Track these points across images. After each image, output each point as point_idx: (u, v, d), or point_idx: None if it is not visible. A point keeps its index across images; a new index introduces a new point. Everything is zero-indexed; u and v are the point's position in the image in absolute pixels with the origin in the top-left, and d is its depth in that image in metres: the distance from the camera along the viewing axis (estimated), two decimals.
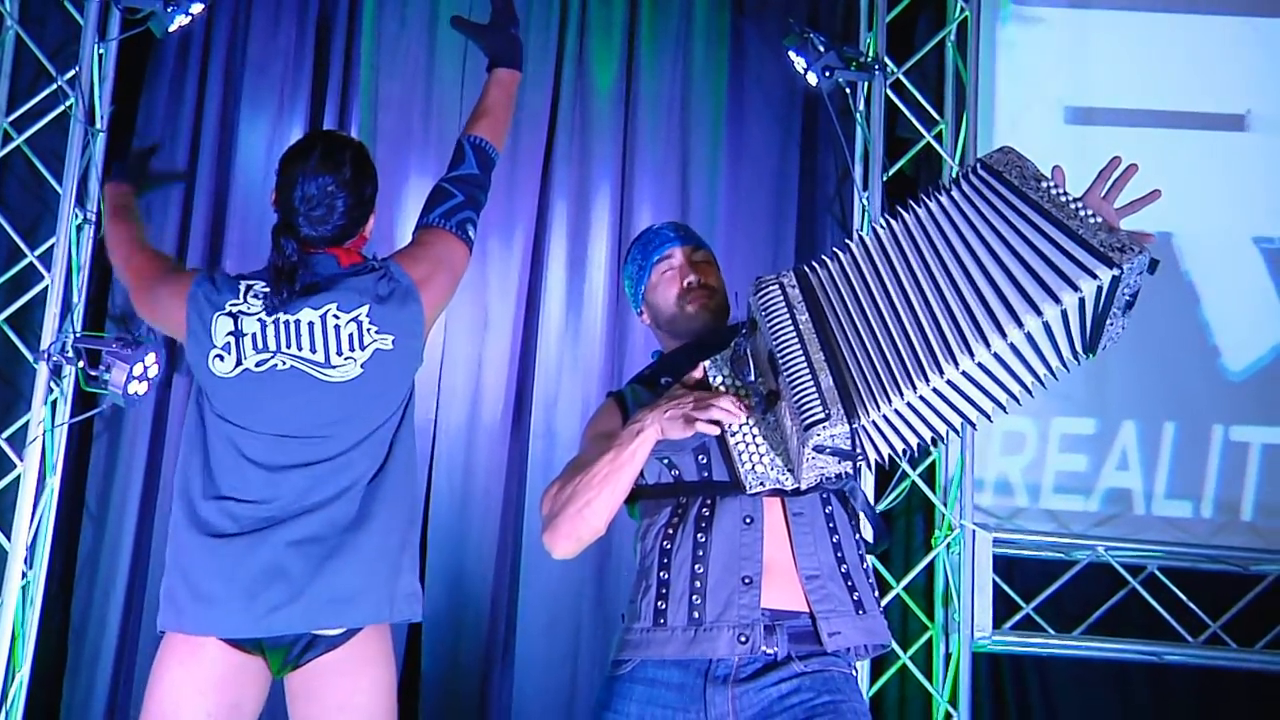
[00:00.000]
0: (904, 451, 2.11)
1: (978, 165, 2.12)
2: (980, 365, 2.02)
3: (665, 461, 2.33)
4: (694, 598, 2.23)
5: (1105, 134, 4.76)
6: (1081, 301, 1.98)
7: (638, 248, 2.61)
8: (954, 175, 2.16)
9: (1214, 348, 4.66)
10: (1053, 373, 2.10)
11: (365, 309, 2.51)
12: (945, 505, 4.46)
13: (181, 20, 4.27)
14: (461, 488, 4.43)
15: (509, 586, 4.44)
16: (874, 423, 2.03)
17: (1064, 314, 2.00)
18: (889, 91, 4.66)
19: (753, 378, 2.18)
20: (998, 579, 4.44)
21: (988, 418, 2.10)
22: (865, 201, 4.57)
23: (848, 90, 4.63)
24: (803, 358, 2.07)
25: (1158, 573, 4.52)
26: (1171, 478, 4.58)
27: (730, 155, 4.69)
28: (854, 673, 2.30)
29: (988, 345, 1.99)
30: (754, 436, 2.20)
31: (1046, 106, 4.79)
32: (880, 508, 4.37)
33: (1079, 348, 2.08)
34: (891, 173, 4.66)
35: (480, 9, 4.58)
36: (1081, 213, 2.03)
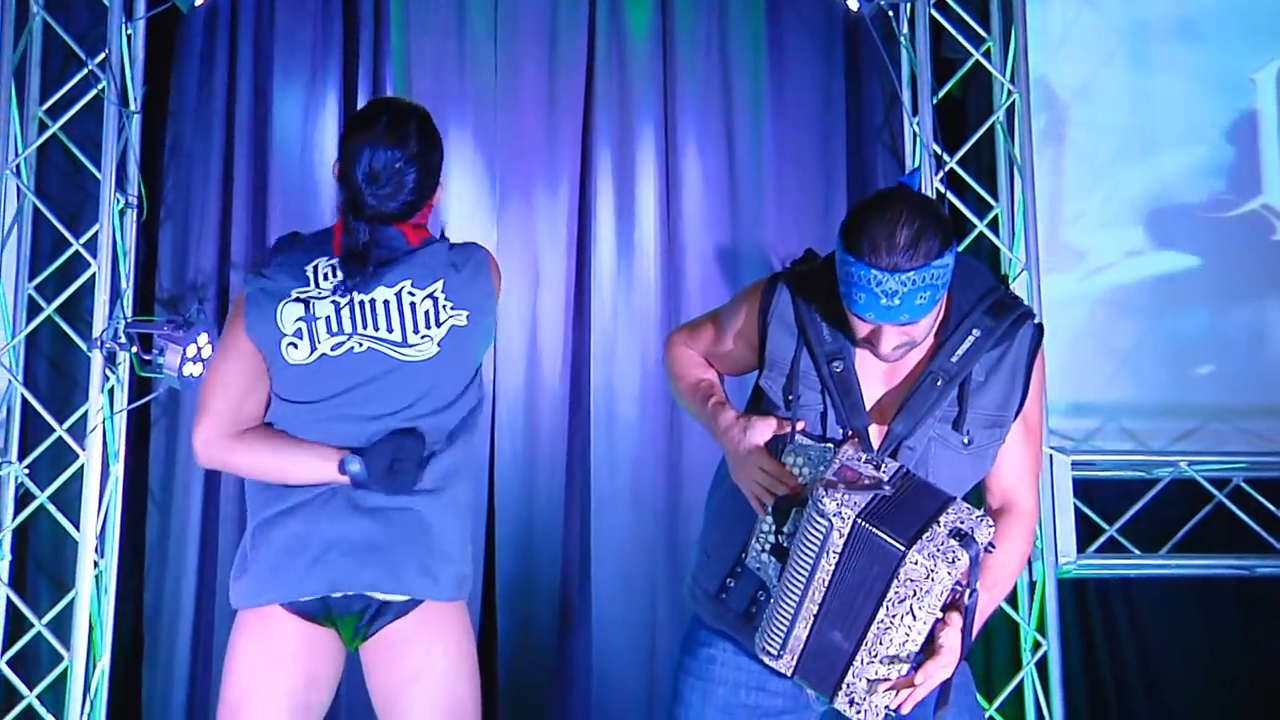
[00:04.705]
0: None
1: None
2: None
3: None
4: (759, 594, 2.19)
5: (1160, 44, 4.64)
6: None
7: (847, 266, 2.05)
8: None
9: None
10: None
11: (440, 284, 2.44)
12: None
13: None
14: (525, 450, 4.38)
15: (580, 546, 4.40)
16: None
17: None
18: (933, 11, 4.52)
19: (769, 529, 2.13)
20: (1078, 502, 4.33)
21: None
22: (916, 126, 4.46)
23: (890, 13, 4.52)
24: (797, 600, 2.04)
25: (1243, 484, 4.42)
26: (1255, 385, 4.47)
27: (773, 90, 4.58)
28: None
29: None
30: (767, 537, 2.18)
31: (1098, 17, 4.64)
32: None
33: None
34: (941, 95, 4.53)
35: None
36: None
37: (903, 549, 1.94)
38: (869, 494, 1.99)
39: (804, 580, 2.02)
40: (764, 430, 2.17)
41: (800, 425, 2.16)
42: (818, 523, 1.99)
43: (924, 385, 2.15)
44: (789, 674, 2.10)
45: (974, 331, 2.16)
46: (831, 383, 2.17)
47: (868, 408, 2.17)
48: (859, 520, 1.96)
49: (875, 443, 2.15)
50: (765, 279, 2.30)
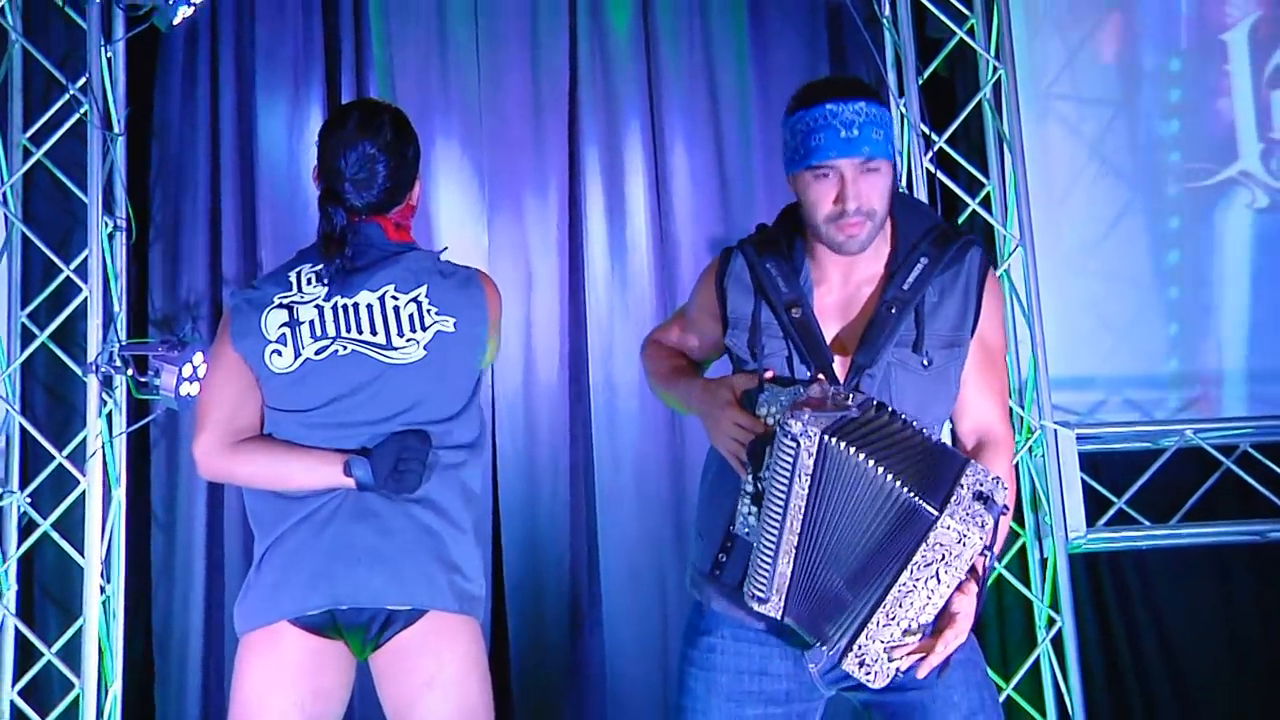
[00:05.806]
0: None
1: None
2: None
3: None
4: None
5: (1142, 11, 4.62)
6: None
7: (800, 123, 2.17)
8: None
9: None
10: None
11: (424, 288, 2.44)
12: (1022, 407, 4.33)
13: (185, 11, 4.16)
14: (526, 450, 4.36)
15: (587, 543, 4.39)
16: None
17: None
18: None
19: (750, 478, 2.11)
20: (1085, 476, 4.31)
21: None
22: (903, 108, 4.43)
23: None
24: (776, 534, 2.03)
25: (1250, 450, 4.38)
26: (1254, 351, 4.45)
27: (758, 80, 4.57)
28: None
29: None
30: (748, 491, 2.15)
31: None
32: None
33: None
34: (926, 75, 4.50)
35: None
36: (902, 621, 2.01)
37: (935, 513, 1.94)
38: (835, 414, 2.01)
39: (780, 510, 2.01)
40: (735, 381, 2.20)
41: (769, 373, 2.19)
42: (786, 447, 1.99)
43: (880, 315, 2.21)
44: (779, 616, 2.08)
45: (922, 260, 2.24)
46: (792, 328, 2.23)
47: (829, 345, 2.24)
48: (826, 436, 1.96)
49: (841, 377, 2.20)
50: (720, 252, 2.39)
